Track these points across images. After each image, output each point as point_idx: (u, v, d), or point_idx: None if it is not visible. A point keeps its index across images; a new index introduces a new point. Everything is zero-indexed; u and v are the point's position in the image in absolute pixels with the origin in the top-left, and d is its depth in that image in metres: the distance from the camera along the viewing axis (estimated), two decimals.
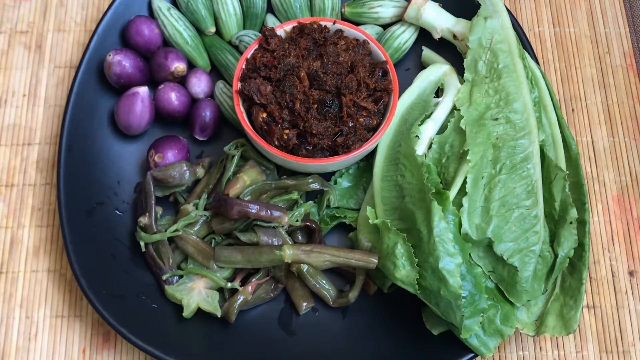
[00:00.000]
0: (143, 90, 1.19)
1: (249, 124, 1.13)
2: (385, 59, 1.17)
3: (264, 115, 1.11)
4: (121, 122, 1.19)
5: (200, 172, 1.17)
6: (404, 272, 1.04)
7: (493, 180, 1.07)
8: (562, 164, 1.12)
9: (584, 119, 1.31)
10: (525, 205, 1.06)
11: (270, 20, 1.29)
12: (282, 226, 1.12)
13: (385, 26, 1.30)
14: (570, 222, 1.08)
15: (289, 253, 1.08)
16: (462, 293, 1.00)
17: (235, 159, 1.17)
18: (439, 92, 1.21)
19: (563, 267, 1.08)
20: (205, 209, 1.14)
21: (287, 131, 1.10)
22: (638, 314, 1.18)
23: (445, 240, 1.02)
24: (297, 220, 1.12)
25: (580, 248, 1.09)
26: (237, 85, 1.15)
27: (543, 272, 1.08)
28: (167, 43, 1.28)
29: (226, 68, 1.25)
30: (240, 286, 1.10)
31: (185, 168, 1.16)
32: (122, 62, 1.19)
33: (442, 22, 1.24)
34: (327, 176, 1.20)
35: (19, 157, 1.26)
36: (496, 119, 1.10)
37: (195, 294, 1.10)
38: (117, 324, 1.06)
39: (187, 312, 1.08)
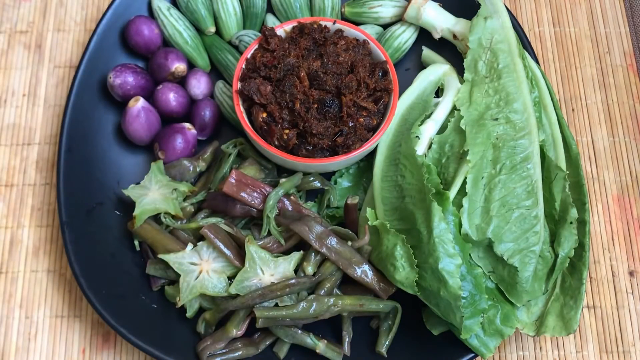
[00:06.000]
0: (141, 103, 1.18)
1: (248, 123, 1.13)
2: (385, 59, 1.17)
3: (264, 115, 1.11)
4: (135, 138, 1.19)
5: (202, 165, 1.18)
6: (403, 273, 1.04)
7: (493, 180, 1.07)
8: (562, 164, 1.12)
9: (584, 118, 1.31)
10: (525, 205, 1.06)
11: (270, 20, 1.29)
12: None
13: (385, 26, 1.30)
14: (571, 222, 1.08)
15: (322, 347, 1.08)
16: (461, 294, 1.00)
17: (232, 157, 1.17)
18: (439, 92, 1.21)
19: (563, 267, 1.08)
20: (200, 207, 1.15)
21: (287, 131, 1.10)
22: (638, 314, 1.18)
23: (445, 241, 1.01)
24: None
25: (580, 248, 1.09)
26: (237, 85, 1.15)
27: (543, 272, 1.08)
28: (167, 43, 1.27)
29: (226, 68, 1.25)
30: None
31: (187, 165, 1.16)
32: (123, 85, 1.19)
33: (442, 22, 1.24)
34: (327, 176, 1.20)
35: (18, 157, 1.26)
36: (496, 119, 1.10)
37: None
38: (116, 324, 1.06)
39: (190, 313, 1.08)
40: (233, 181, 1.09)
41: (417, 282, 1.03)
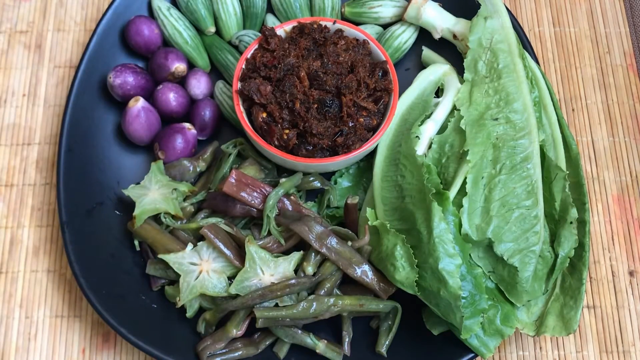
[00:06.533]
0: (141, 103, 1.18)
1: (248, 123, 1.13)
2: (385, 59, 1.17)
3: (264, 115, 1.11)
4: (135, 138, 1.19)
5: (202, 165, 1.18)
6: (403, 273, 1.04)
7: (493, 180, 1.07)
8: (562, 164, 1.12)
9: (584, 118, 1.31)
10: (525, 205, 1.06)
11: (270, 20, 1.29)
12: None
13: (385, 26, 1.30)
14: (571, 222, 1.08)
15: (322, 347, 1.08)
16: (461, 294, 1.00)
17: (232, 157, 1.17)
18: (439, 92, 1.21)
19: (563, 267, 1.08)
20: (200, 207, 1.15)
21: (287, 131, 1.10)
22: (638, 314, 1.18)
23: (445, 241, 1.01)
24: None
25: (581, 248, 1.09)
26: (237, 85, 1.15)
27: (543, 272, 1.08)
28: (167, 43, 1.27)
29: (226, 68, 1.25)
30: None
31: (187, 165, 1.16)
32: (123, 85, 1.19)
33: (442, 22, 1.24)
34: (327, 176, 1.20)
35: (18, 157, 1.26)
36: (496, 119, 1.10)
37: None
38: (116, 324, 1.06)
39: (190, 313, 1.08)
40: (233, 181, 1.09)
41: (417, 282, 1.03)
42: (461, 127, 1.10)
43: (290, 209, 1.12)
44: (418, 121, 1.14)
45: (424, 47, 1.27)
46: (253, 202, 1.10)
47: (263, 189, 1.11)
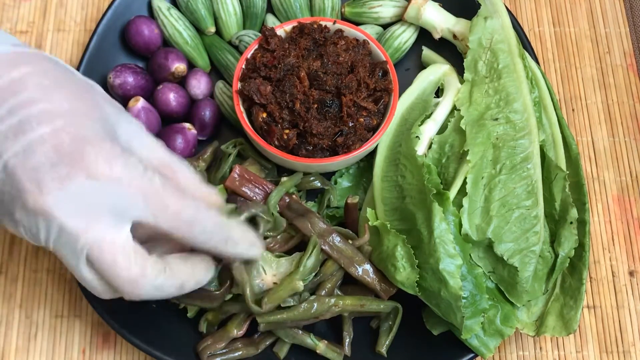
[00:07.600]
0: (142, 103, 1.18)
1: (248, 123, 1.13)
2: (385, 59, 1.17)
3: (264, 115, 1.11)
4: None
5: (202, 165, 1.18)
6: (404, 274, 1.04)
7: (493, 180, 1.07)
8: (562, 164, 1.12)
9: (584, 119, 1.31)
10: (525, 205, 1.06)
11: (270, 20, 1.29)
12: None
13: (385, 26, 1.30)
14: (571, 222, 1.08)
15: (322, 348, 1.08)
16: (462, 294, 1.00)
17: (232, 157, 1.17)
18: (439, 92, 1.21)
19: (563, 267, 1.08)
20: None
21: (287, 131, 1.10)
22: (638, 314, 1.18)
23: (446, 242, 1.01)
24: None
25: (581, 248, 1.09)
26: (237, 85, 1.15)
27: (543, 272, 1.08)
28: (167, 43, 1.27)
29: (226, 68, 1.25)
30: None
31: None
32: (123, 85, 1.19)
33: (442, 22, 1.24)
34: (327, 176, 1.20)
35: None
36: (496, 119, 1.10)
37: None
38: (117, 324, 1.06)
39: (191, 313, 1.08)
40: (236, 176, 1.09)
41: (417, 282, 1.03)
42: (461, 127, 1.10)
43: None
44: (418, 121, 1.14)
45: (424, 47, 1.28)
46: (255, 197, 1.10)
47: (265, 186, 1.11)
